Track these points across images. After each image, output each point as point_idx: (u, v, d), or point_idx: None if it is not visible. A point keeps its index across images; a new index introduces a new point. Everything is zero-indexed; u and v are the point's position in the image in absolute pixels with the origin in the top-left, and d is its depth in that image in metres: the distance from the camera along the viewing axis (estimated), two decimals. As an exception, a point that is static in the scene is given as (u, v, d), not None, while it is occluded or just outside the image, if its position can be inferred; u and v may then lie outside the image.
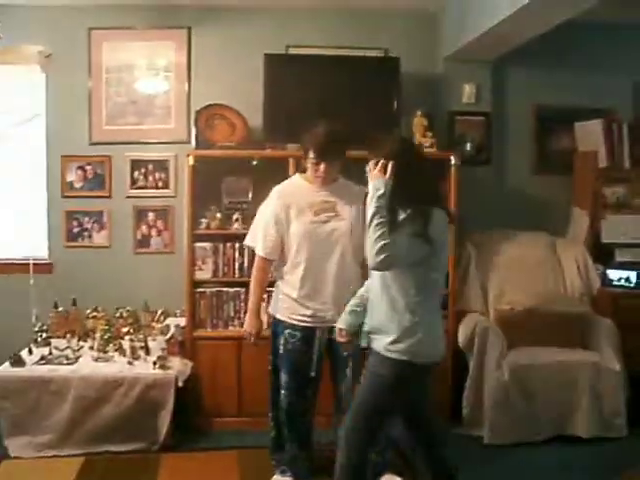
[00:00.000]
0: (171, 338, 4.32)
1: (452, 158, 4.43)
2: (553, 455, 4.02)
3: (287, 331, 3.37)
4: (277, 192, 3.43)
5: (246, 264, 4.41)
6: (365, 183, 2.83)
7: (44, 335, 4.48)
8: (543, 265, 4.74)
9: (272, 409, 3.59)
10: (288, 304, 3.38)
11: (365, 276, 3.12)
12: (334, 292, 3.28)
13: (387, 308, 2.78)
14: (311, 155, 3.26)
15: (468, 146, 4.89)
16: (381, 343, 2.79)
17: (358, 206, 3.17)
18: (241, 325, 4.40)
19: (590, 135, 4.85)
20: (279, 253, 3.40)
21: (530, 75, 5.04)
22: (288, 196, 3.37)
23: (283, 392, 3.45)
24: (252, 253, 4.37)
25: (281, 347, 3.41)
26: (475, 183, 4.77)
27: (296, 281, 3.33)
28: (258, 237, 3.46)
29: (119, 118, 4.87)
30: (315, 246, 3.28)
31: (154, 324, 4.58)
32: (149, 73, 4.72)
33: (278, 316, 3.44)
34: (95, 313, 4.63)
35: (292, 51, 4.81)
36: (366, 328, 2.89)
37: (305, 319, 3.33)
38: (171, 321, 4.56)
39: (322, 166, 3.25)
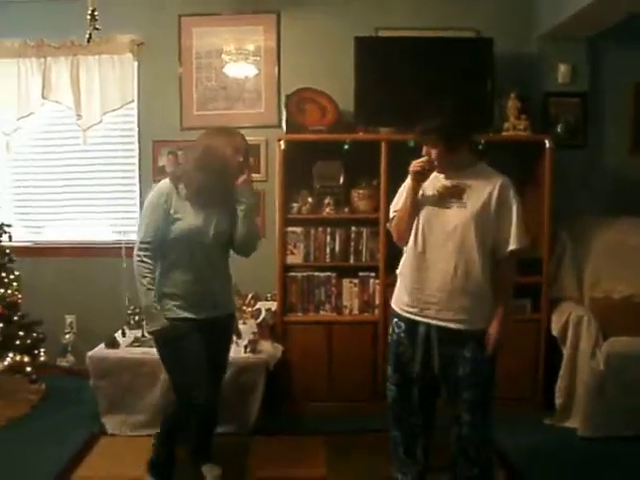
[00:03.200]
0: (262, 322, 4.34)
1: (546, 141, 4.30)
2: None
3: (394, 320, 3.17)
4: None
5: (337, 249, 4.42)
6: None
7: (137, 318, 4.58)
8: (641, 252, 4.56)
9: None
10: (398, 291, 3.17)
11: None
12: (443, 286, 2.96)
13: None
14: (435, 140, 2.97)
15: (559, 128, 4.73)
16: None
17: (491, 195, 2.95)
18: (332, 310, 4.46)
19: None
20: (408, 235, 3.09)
21: (628, 52, 4.81)
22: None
23: (387, 386, 3.26)
24: (343, 237, 4.44)
25: (389, 336, 3.24)
26: (570, 166, 4.63)
27: (406, 266, 3.12)
28: (394, 202, 3.20)
29: (209, 103, 4.93)
30: (430, 233, 2.99)
31: (245, 308, 4.62)
32: (238, 58, 4.72)
33: (391, 303, 3.23)
34: (187, 295, 4.70)
35: (382, 34, 4.74)
36: None
37: (408, 309, 3.08)
38: (262, 305, 4.61)
39: (433, 152, 2.95)
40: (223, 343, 3.39)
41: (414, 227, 3.02)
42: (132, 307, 4.60)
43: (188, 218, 3.08)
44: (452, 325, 2.97)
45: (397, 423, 3.22)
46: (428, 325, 3.01)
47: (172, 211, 3.07)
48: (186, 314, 3.12)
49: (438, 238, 2.97)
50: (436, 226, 2.97)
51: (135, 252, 3.10)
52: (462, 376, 2.99)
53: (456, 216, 2.94)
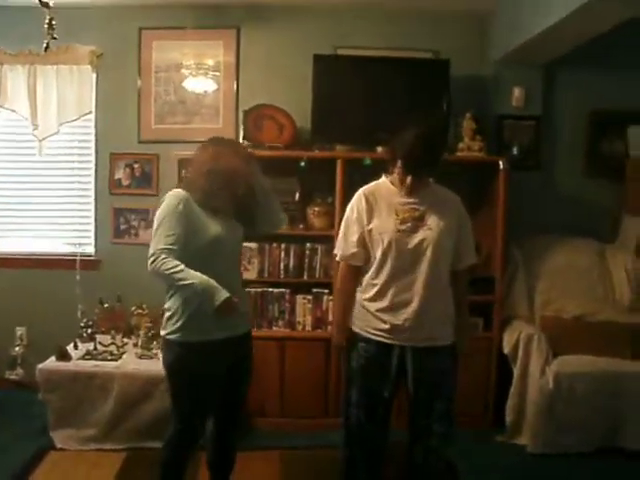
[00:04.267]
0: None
1: (501, 162, 4.38)
2: (599, 467, 3.92)
3: (361, 344, 3.08)
4: (361, 193, 3.10)
5: (291, 265, 4.44)
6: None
7: (89, 330, 4.55)
8: (592, 272, 4.63)
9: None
10: (363, 316, 3.08)
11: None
12: (417, 308, 2.96)
13: None
14: (398, 164, 2.97)
15: (515, 150, 4.81)
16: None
17: (450, 215, 3.01)
18: (285, 325, 4.46)
19: (643, 141, 4.75)
20: (363, 259, 3.08)
21: (582, 78, 4.92)
22: (373, 198, 3.06)
23: (350, 410, 3.15)
24: (297, 253, 4.45)
25: (352, 361, 3.13)
26: (524, 188, 4.71)
27: (374, 293, 3.04)
28: (339, 242, 3.16)
29: (168, 117, 4.92)
30: (400, 257, 2.97)
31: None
32: (198, 72, 4.72)
33: (353, 328, 3.15)
34: (140, 310, 4.68)
35: (340, 52, 4.78)
36: None
37: (381, 334, 3.02)
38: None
39: (409, 179, 2.95)
40: (248, 363, 3.14)
41: (378, 253, 3.01)
42: (84, 320, 4.55)
43: (207, 227, 2.85)
44: (427, 343, 3.00)
45: (360, 444, 3.16)
46: (402, 347, 3.02)
47: (190, 220, 2.82)
48: (212, 336, 2.84)
49: (409, 261, 2.97)
50: (404, 250, 2.97)
51: (152, 260, 2.72)
52: (434, 386, 3.03)
53: (425, 238, 2.96)
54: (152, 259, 2.72)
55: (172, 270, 2.68)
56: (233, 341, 2.91)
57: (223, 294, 2.70)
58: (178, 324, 2.84)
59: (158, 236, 2.77)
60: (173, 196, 2.86)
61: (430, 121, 3.17)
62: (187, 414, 2.92)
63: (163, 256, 2.71)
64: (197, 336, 2.83)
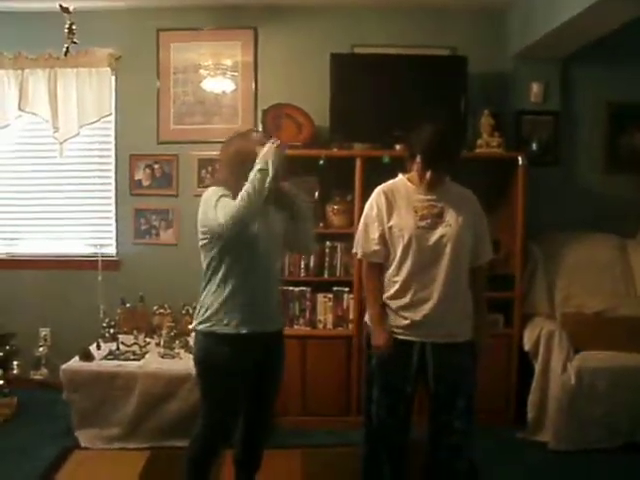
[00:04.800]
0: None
1: (520, 158, 4.37)
2: (622, 464, 3.90)
3: None
4: (380, 190, 3.13)
5: (312, 264, 4.47)
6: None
7: (112, 331, 4.59)
8: (613, 268, 4.61)
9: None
10: (386, 314, 3.10)
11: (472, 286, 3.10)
12: (437, 305, 2.99)
13: None
14: (418, 160, 3.00)
15: (534, 146, 4.80)
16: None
17: (468, 211, 3.04)
18: (306, 324, 4.47)
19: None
20: (384, 256, 3.10)
21: (600, 71, 4.89)
22: (392, 195, 3.08)
23: (373, 409, 3.17)
24: (317, 252, 4.42)
25: (371, 359, 3.16)
26: (543, 183, 4.70)
27: (395, 291, 3.06)
28: (359, 240, 3.17)
29: (186, 118, 4.94)
30: (420, 253, 2.99)
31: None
32: (216, 73, 4.76)
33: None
34: (161, 310, 4.71)
35: (357, 50, 4.79)
36: None
37: (401, 331, 3.05)
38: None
39: (429, 174, 2.98)
40: (279, 361, 3.10)
41: (399, 250, 3.03)
42: (107, 320, 4.60)
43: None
44: (448, 339, 3.02)
45: (381, 442, 3.18)
46: (422, 343, 3.03)
47: None
48: (244, 329, 2.82)
49: (429, 258, 2.99)
50: (425, 247, 2.99)
51: (226, 219, 2.66)
52: (455, 384, 3.03)
53: (444, 234, 2.98)
54: (228, 221, 2.66)
55: (241, 200, 2.66)
56: (262, 337, 2.89)
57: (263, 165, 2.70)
58: (207, 314, 2.85)
59: (219, 212, 2.70)
60: (210, 191, 2.83)
61: (446, 120, 3.16)
62: (212, 408, 2.92)
63: (228, 200, 2.70)
64: (224, 328, 2.82)
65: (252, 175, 2.69)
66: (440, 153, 2.98)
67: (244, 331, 2.83)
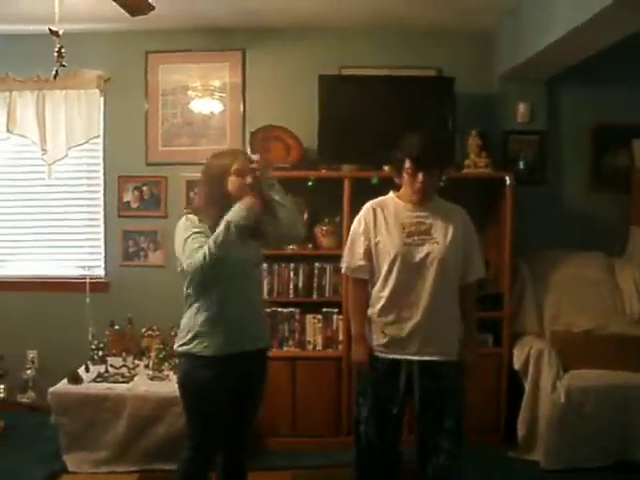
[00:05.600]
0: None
1: (507, 178, 4.39)
2: (613, 482, 3.90)
3: (370, 362, 3.11)
4: (369, 206, 3.16)
5: (300, 285, 4.46)
6: None
7: (100, 353, 4.56)
8: (600, 286, 4.62)
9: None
10: (372, 333, 3.11)
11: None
12: (423, 322, 2.99)
13: None
14: (407, 165, 2.99)
15: (521, 165, 4.83)
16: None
17: (456, 228, 3.04)
18: (295, 345, 4.46)
19: (650, 152, 4.76)
20: (369, 272, 3.12)
21: (586, 92, 4.94)
22: (380, 211, 3.10)
23: (361, 429, 3.16)
24: (306, 273, 4.47)
25: (360, 379, 3.19)
26: (530, 203, 4.74)
27: (381, 307, 3.07)
28: (344, 255, 3.21)
29: (175, 139, 4.96)
30: (406, 271, 2.99)
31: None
32: (204, 94, 4.78)
33: None
34: (150, 332, 4.70)
35: (345, 72, 4.83)
36: None
37: (388, 350, 3.06)
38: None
39: (420, 175, 2.97)
40: (260, 381, 3.11)
41: (384, 266, 3.04)
42: (95, 342, 4.57)
43: None
44: (434, 358, 3.01)
45: (371, 463, 3.16)
46: (409, 362, 3.03)
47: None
48: (224, 351, 2.84)
49: (415, 274, 3.00)
50: (411, 263, 3.00)
51: (188, 265, 2.71)
52: (442, 406, 3.02)
53: (431, 251, 2.99)
54: (191, 268, 2.70)
55: (207, 251, 2.66)
56: (243, 357, 2.89)
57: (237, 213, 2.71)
58: (188, 336, 2.87)
59: (184, 255, 2.74)
60: (185, 220, 2.86)
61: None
62: (197, 430, 2.92)
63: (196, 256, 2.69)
64: (204, 350, 2.83)
65: (220, 227, 2.70)
66: (429, 152, 3.00)
67: (224, 353, 2.84)
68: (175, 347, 2.97)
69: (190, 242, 2.74)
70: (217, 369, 2.84)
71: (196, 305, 2.87)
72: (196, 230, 2.78)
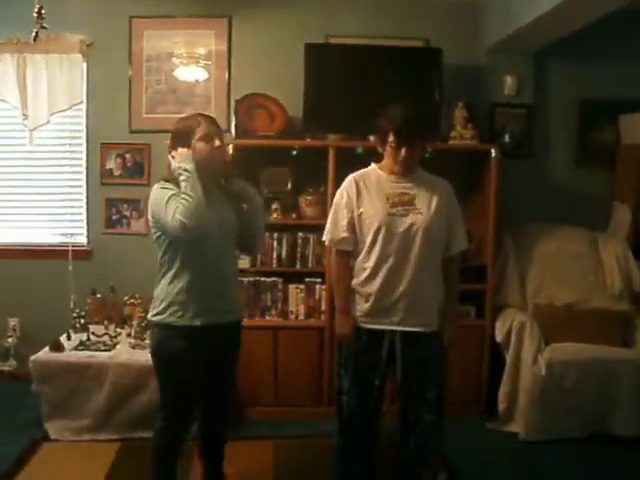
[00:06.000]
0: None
1: (492, 151, 4.38)
2: (591, 453, 3.96)
3: None
4: (351, 178, 3.13)
5: (284, 254, 4.45)
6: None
7: (82, 321, 4.54)
8: (583, 260, 4.66)
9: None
10: (355, 304, 3.11)
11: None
12: (407, 292, 3.00)
13: None
14: (390, 138, 2.97)
15: (507, 138, 4.82)
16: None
17: (440, 199, 3.04)
18: (278, 315, 4.46)
19: (636, 128, 4.75)
20: (352, 243, 3.11)
21: (573, 66, 4.93)
22: (363, 183, 3.09)
23: (343, 399, 3.17)
24: (290, 243, 4.46)
25: (342, 349, 3.19)
26: (515, 176, 4.73)
27: (365, 277, 3.06)
28: (327, 227, 3.18)
29: (159, 106, 4.89)
30: (389, 242, 2.98)
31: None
32: (189, 61, 4.71)
33: None
34: (132, 300, 4.68)
35: (332, 41, 4.78)
36: None
37: (371, 320, 3.06)
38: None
39: (403, 150, 2.95)
40: (234, 353, 3.12)
41: (368, 237, 3.03)
42: (77, 310, 4.55)
43: None
44: (417, 329, 3.02)
45: (353, 433, 3.18)
46: (392, 332, 3.04)
47: None
48: (198, 322, 2.83)
49: (398, 245, 2.99)
50: (395, 234, 2.99)
51: (174, 222, 2.67)
52: (425, 377, 3.04)
53: (415, 222, 2.99)
54: (179, 225, 2.67)
55: (185, 203, 2.67)
56: (217, 329, 2.90)
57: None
58: (162, 306, 2.86)
59: (166, 215, 2.71)
60: (159, 191, 2.82)
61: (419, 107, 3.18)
62: (170, 400, 2.93)
63: (177, 215, 2.67)
64: (178, 320, 2.83)
65: (181, 177, 2.73)
66: (413, 127, 2.98)
67: (198, 323, 2.84)
68: (149, 316, 2.97)
69: (171, 203, 2.72)
70: (190, 340, 2.84)
71: (170, 274, 2.85)
72: (174, 192, 2.75)
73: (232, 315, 3.01)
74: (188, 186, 2.70)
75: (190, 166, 2.73)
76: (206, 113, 3.07)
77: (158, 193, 2.81)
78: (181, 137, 2.85)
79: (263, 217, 3.14)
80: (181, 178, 2.73)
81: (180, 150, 2.79)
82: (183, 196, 2.69)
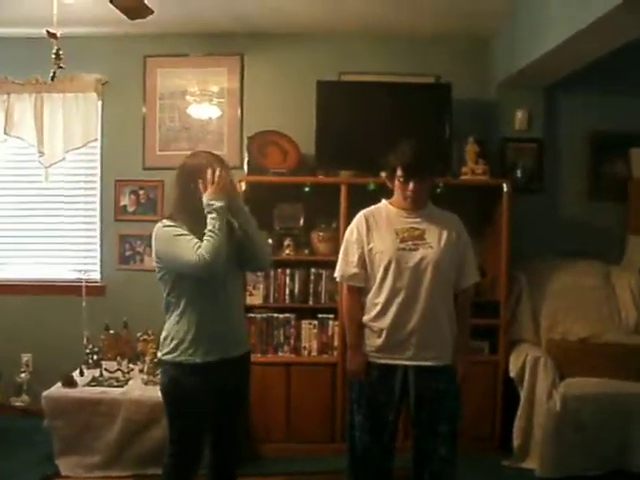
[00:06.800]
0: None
1: (504, 185, 4.39)
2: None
3: None
4: (361, 215, 3.16)
5: (296, 290, 4.45)
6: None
7: (95, 357, 4.54)
8: (597, 294, 4.63)
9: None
10: (366, 339, 3.10)
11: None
12: (419, 327, 3.00)
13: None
14: (399, 173, 3.01)
15: (519, 173, 4.82)
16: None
17: (450, 233, 3.06)
18: (291, 351, 4.45)
19: (647, 161, 4.76)
20: (363, 279, 3.12)
21: (583, 100, 4.94)
22: (373, 219, 3.11)
23: (356, 435, 3.14)
24: (302, 279, 4.46)
25: (354, 384, 3.16)
26: (527, 210, 4.72)
27: (377, 313, 3.06)
28: (338, 264, 3.20)
29: (172, 143, 4.96)
30: (400, 275, 3.00)
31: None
32: (202, 99, 4.79)
33: None
34: (145, 336, 4.66)
35: (344, 78, 4.83)
36: None
37: (383, 355, 3.06)
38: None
39: (411, 184, 2.99)
40: (244, 385, 3.10)
41: (379, 273, 3.04)
42: (90, 346, 4.55)
43: None
44: (429, 363, 3.01)
45: (365, 469, 3.15)
46: (405, 367, 3.03)
47: None
48: (209, 358, 2.83)
49: (409, 280, 3.00)
50: (405, 269, 3.00)
51: (198, 259, 2.68)
52: (438, 410, 3.02)
53: (425, 256, 2.99)
54: (202, 263, 2.67)
55: (212, 241, 2.69)
56: (227, 364, 2.89)
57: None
58: (172, 345, 2.86)
59: (182, 254, 2.72)
60: (163, 230, 2.83)
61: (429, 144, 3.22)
62: (180, 437, 2.91)
63: (200, 250, 2.68)
64: (190, 358, 2.83)
65: (211, 215, 2.74)
66: (420, 161, 3.01)
67: (210, 359, 2.84)
68: (159, 355, 2.96)
69: (184, 240, 2.74)
70: (202, 376, 2.84)
71: (177, 312, 2.86)
72: (182, 232, 2.77)
73: (242, 348, 3.01)
74: (217, 224, 2.72)
75: (222, 204, 2.75)
76: (214, 153, 3.07)
77: (163, 233, 2.82)
78: (190, 174, 2.86)
79: (258, 230, 3.08)
80: (211, 215, 2.74)
81: (210, 187, 2.77)
82: (210, 234, 2.70)
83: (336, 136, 4.48)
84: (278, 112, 4.84)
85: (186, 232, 2.76)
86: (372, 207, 3.19)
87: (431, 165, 3.12)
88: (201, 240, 2.72)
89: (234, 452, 3.14)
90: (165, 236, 2.81)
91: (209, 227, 2.72)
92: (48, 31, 3.35)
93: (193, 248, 2.70)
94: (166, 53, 4.93)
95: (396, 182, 3.05)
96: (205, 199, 2.77)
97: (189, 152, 3.12)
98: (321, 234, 4.48)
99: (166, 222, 2.83)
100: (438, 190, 4.01)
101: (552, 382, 4.13)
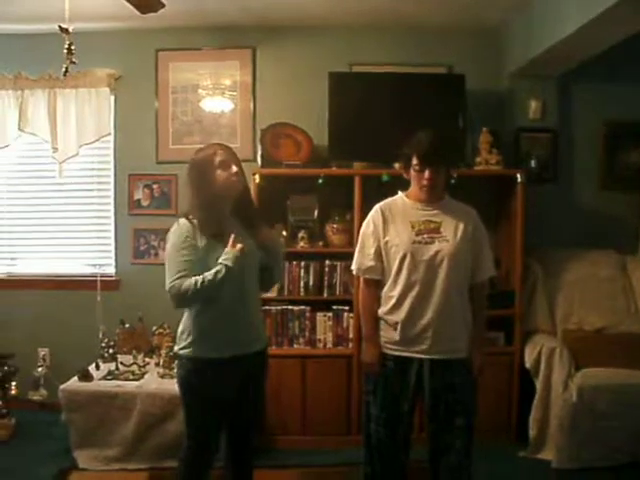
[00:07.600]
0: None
1: (518, 175, 4.37)
2: (625, 482, 3.87)
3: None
4: (377, 208, 3.15)
5: (311, 282, 4.45)
6: None
7: (111, 351, 4.57)
8: (613, 284, 4.60)
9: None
10: (382, 331, 3.10)
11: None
12: (434, 320, 2.98)
13: None
14: (415, 162, 2.99)
15: (533, 163, 4.80)
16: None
17: (466, 227, 3.04)
18: (306, 343, 4.45)
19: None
20: (380, 272, 3.11)
21: (597, 89, 4.91)
22: (389, 212, 3.10)
23: (372, 427, 3.15)
24: (317, 271, 4.46)
25: (369, 376, 3.16)
26: (542, 200, 4.70)
27: (392, 306, 3.06)
28: (355, 257, 3.19)
29: (185, 137, 4.96)
30: (416, 269, 2.99)
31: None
32: (215, 92, 4.78)
33: None
34: (161, 330, 4.69)
35: (356, 69, 4.82)
36: None
37: (398, 347, 3.05)
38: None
39: (427, 172, 2.97)
40: (261, 380, 3.11)
41: (394, 265, 3.04)
42: (106, 340, 4.58)
43: (211, 258, 2.78)
44: (445, 356, 3.01)
45: (381, 461, 3.15)
46: (420, 360, 3.02)
47: (196, 251, 2.79)
48: (226, 354, 2.83)
49: (425, 272, 2.99)
50: (420, 262, 2.99)
51: (172, 293, 2.74)
52: (453, 403, 3.01)
53: (441, 249, 2.99)
54: (172, 293, 2.74)
55: (194, 286, 2.70)
56: (244, 359, 2.90)
57: (229, 255, 2.75)
58: (189, 339, 2.87)
59: (169, 272, 2.77)
60: (176, 229, 2.84)
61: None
62: (197, 430, 2.93)
63: (178, 282, 2.72)
64: (207, 352, 2.84)
65: (217, 268, 2.73)
66: (436, 149, 2.99)
67: (227, 355, 2.84)
68: (175, 349, 2.98)
69: (178, 260, 2.76)
70: (219, 371, 2.84)
71: (195, 307, 2.86)
72: (185, 245, 2.77)
73: (258, 344, 3.00)
74: (217, 279, 2.71)
75: (231, 265, 2.74)
76: (222, 143, 3.08)
77: (173, 236, 2.83)
78: (200, 167, 2.87)
79: (283, 262, 3.15)
80: (217, 268, 2.72)
81: (229, 249, 2.76)
82: (201, 280, 2.70)
83: (349, 127, 4.47)
84: (290, 104, 4.83)
85: (188, 245, 2.76)
86: (388, 199, 3.18)
87: (447, 153, 3.09)
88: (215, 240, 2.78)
89: (250, 445, 3.15)
90: (173, 240, 2.82)
91: (208, 275, 2.71)
92: (60, 26, 3.36)
93: (177, 274, 2.73)
94: (178, 47, 4.93)
95: (412, 172, 3.04)
96: (222, 257, 2.75)
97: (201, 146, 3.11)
98: (335, 226, 4.48)
99: (182, 222, 2.83)
100: (452, 181, 3.99)
101: (568, 373, 4.11)
